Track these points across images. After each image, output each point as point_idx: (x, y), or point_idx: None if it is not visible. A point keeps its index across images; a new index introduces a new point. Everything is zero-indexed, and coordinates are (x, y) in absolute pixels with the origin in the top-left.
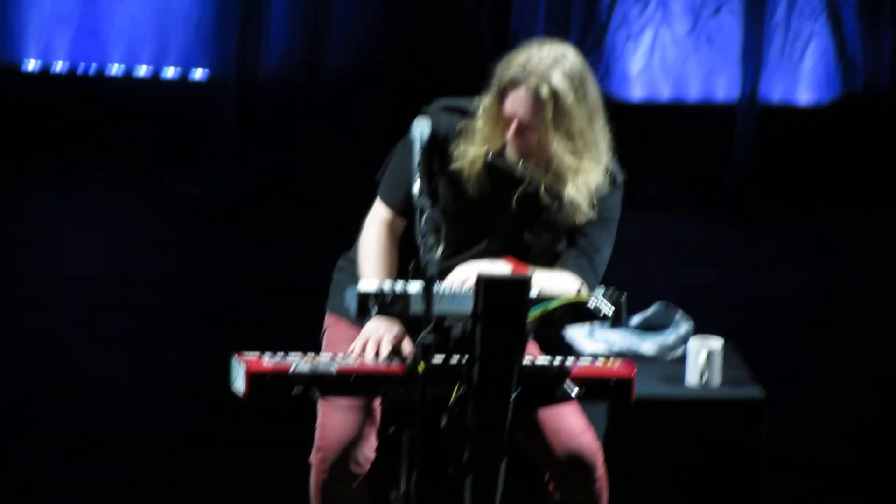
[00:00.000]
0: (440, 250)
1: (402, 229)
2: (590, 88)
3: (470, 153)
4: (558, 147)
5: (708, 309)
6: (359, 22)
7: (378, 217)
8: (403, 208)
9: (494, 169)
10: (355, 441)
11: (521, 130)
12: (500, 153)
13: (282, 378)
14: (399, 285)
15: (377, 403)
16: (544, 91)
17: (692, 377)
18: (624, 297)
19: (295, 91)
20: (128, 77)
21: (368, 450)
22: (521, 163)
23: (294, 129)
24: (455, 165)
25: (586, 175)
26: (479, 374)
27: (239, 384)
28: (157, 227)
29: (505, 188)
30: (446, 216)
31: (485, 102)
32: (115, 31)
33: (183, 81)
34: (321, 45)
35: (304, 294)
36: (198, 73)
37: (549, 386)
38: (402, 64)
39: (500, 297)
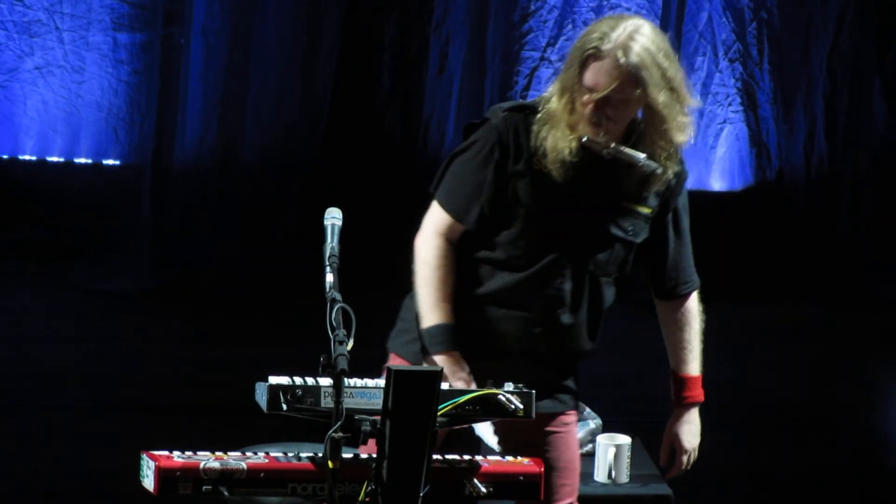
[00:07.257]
0: (350, 344)
1: (460, 235)
2: (671, 61)
3: (553, 139)
4: (646, 120)
5: (617, 404)
6: (274, 111)
7: (437, 228)
8: (473, 220)
9: (580, 156)
10: None
11: (604, 103)
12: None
13: (192, 475)
14: (310, 379)
15: None
16: (626, 61)
17: (600, 474)
18: (533, 392)
19: (210, 179)
20: (40, 165)
21: None
22: (612, 144)
23: (209, 219)
24: (537, 158)
25: (671, 158)
26: (389, 470)
27: (149, 481)
28: (68, 320)
29: (590, 175)
30: (530, 215)
31: (563, 79)
32: (28, 120)
33: (96, 170)
34: (236, 134)
35: (217, 389)
36: (111, 162)
37: (458, 483)
38: (317, 153)
39: (410, 391)
